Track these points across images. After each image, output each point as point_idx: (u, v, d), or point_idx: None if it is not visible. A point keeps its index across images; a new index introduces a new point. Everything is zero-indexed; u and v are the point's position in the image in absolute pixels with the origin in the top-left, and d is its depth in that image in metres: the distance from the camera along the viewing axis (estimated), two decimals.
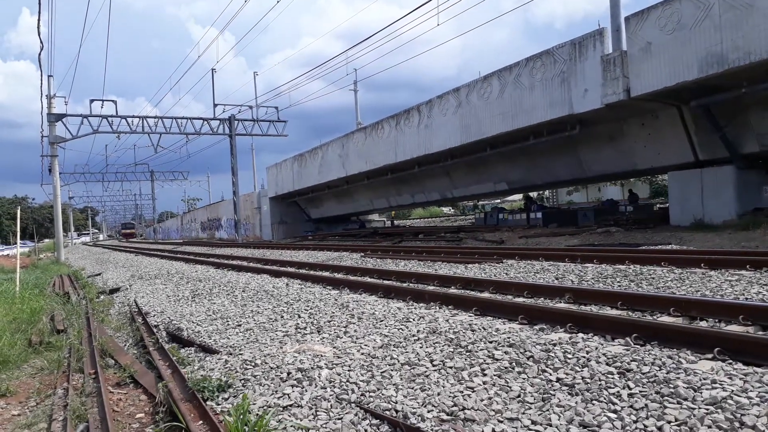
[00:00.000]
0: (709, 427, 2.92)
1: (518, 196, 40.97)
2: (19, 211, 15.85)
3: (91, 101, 30.36)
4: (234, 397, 4.25)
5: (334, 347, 5.29)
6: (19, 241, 17.43)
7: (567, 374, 3.88)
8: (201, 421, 3.79)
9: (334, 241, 27.26)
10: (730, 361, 3.85)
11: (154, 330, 7.27)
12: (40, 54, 22.34)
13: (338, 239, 28.52)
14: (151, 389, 4.80)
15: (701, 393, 3.29)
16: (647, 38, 13.87)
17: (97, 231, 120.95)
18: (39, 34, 18.00)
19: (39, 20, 16.93)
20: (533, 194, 36.15)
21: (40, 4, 15.03)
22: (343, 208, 35.33)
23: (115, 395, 4.86)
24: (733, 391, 3.27)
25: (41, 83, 28.91)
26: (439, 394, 3.82)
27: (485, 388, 3.83)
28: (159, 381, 4.82)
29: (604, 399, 3.40)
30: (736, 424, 2.90)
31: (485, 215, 31.70)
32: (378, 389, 4.04)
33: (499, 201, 51.59)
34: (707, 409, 3.09)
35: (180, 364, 5.30)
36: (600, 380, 3.68)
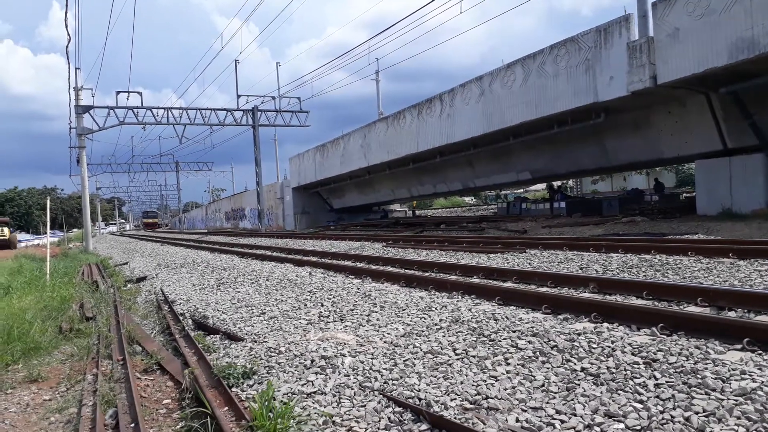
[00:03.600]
0: (738, 418, 2.86)
1: (541, 186, 40.56)
2: (48, 202, 16.18)
3: (117, 93, 30.81)
4: (258, 384, 4.30)
5: (357, 335, 5.32)
6: (48, 230, 17.79)
7: (592, 364, 3.84)
8: (226, 408, 3.85)
9: (356, 230, 27.32)
10: (760, 351, 3.77)
11: (180, 318, 7.38)
12: (67, 46, 22.75)
13: (360, 229, 28.58)
14: (177, 376, 4.88)
15: (730, 384, 3.23)
16: (675, 24, 13.56)
17: (123, 221, 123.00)
18: (66, 27, 18.30)
19: (66, 13, 17.19)
20: (557, 183, 35.75)
21: None
22: (365, 198, 35.39)
23: (143, 381, 4.95)
24: (763, 382, 3.21)
25: (69, 75, 29.40)
26: (462, 382, 3.81)
27: (509, 377, 3.82)
28: (185, 368, 4.90)
29: (630, 389, 3.36)
30: (767, 416, 2.85)
31: (508, 205, 31.49)
32: (401, 377, 4.05)
33: (522, 190, 51.15)
34: (736, 400, 3.03)
35: (205, 351, 5.37)
36: (626, 370, 3.64)
